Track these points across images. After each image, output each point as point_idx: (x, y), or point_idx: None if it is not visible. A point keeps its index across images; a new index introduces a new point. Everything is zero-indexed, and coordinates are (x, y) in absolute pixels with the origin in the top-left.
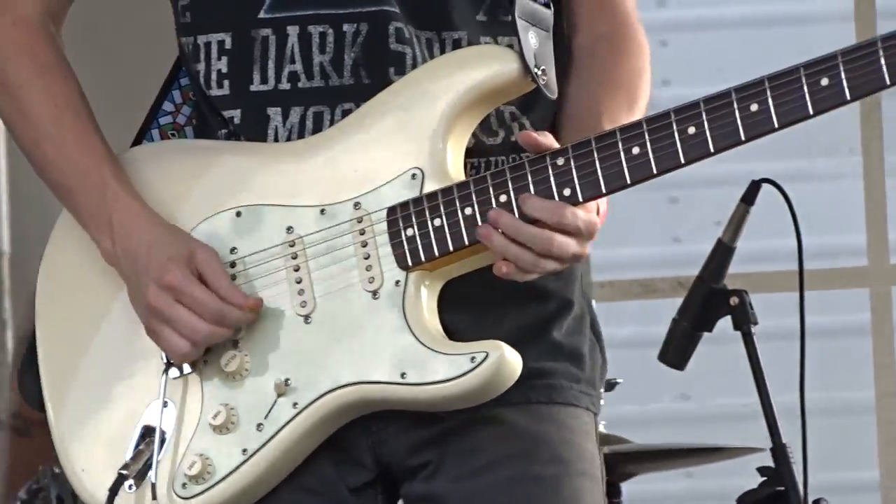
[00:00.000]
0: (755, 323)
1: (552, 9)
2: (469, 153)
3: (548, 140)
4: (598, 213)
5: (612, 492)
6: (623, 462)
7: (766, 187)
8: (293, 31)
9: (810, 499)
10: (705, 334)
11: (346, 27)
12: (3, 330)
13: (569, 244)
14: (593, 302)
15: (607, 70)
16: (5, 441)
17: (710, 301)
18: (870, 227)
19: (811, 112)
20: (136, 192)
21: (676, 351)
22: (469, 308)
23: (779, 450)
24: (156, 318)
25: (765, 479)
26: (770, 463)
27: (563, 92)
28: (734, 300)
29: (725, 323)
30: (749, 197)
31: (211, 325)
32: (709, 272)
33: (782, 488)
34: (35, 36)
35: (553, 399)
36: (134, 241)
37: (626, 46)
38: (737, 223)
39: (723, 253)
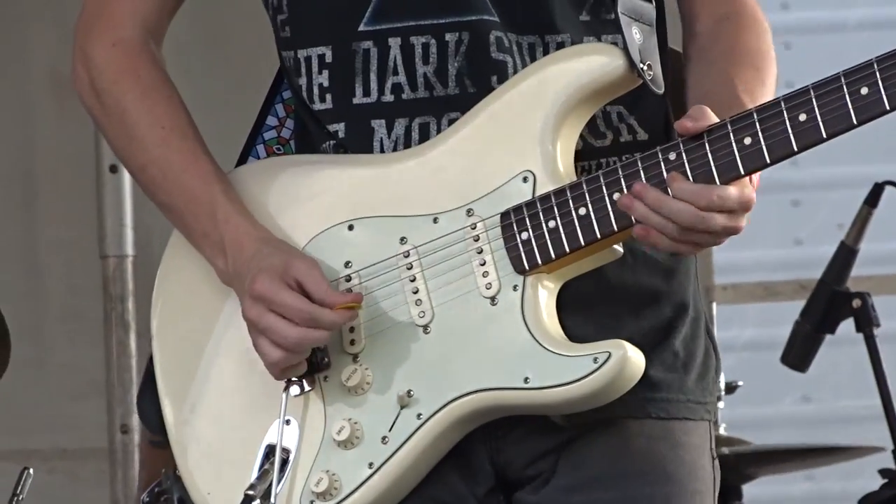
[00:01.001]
0: (878, 325)
1: (654, 3)
2: (578, 156)
3: (703, 121)
4: (748, 186)
5: (733, 494)
6: (743, 463)
7: (889, 189)
8: (395, 42)
9: None
10: (827, 336)
11: (448, 37)
12: (127, 332)
13: (716, 219)
14: (714, 305)
15: (733, 46)
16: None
17: (832, 303)
18: None
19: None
20: (246, 210)
21: (798, 353)
22: (585, 314)
23: None
24: (254, 330)
25: (886, 480)
26: (891, 465)
27: (690, 78)
28: (856, 302)
29: (848, 325)
30: (872, 199)
31: (302, 328)
32: (831, 274)
33: None
34: (136, 57)
35: (670, 414)
36: (244, 260)
37: (747, 23)
38: (860, 225)
39: (845, 255)
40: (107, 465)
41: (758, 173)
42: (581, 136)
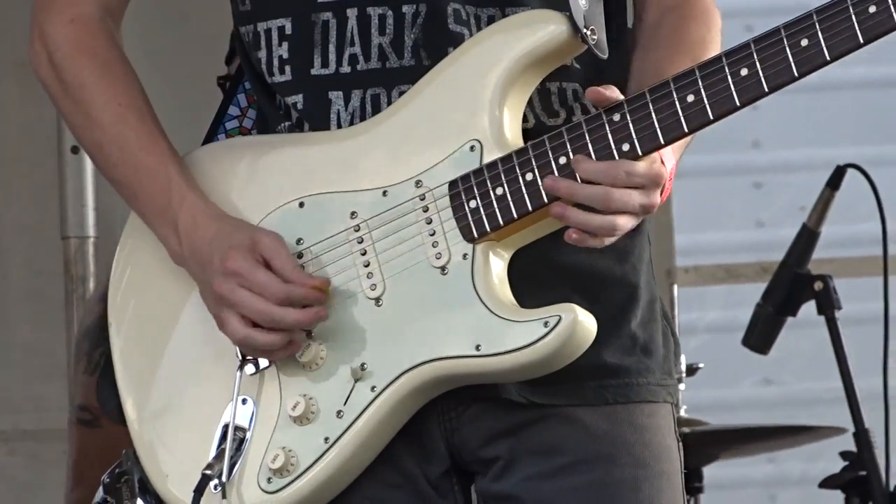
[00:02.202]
0: (839, 308)
1: None
2: (531, 134)
3: (614, 93)
4: (661, 162)
5: (693, 476)
6: (703, 444)
7: (851, 172)
8: (352, 13)
9: (892, 483)
10: (789, 319)
11: (405, 8)
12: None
13: (631, 195)
14: (675, 287)
15: (672, 37)
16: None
17: (794, 286)
18: None
19: (861, 41)
20: (200, 191)
21: (760, 335)
22: (539, 296)
23: (861, 435)
24: (222, 305)
25: (847, 463)
26: (852, 448)
27: (632, 66)
28: (818, 285)
29: (809, 308)
30: (834, 182)
31: (275, 306)
32: (793, 257)
33: (864, 473)
34: (94, 34)
35: (630, 398)
36: (199, 240)
37: (693, 14)
38: (822, 208)
39: (807, 238)
40: (68, 446)
41: (674, 159)
42: (535, 113)
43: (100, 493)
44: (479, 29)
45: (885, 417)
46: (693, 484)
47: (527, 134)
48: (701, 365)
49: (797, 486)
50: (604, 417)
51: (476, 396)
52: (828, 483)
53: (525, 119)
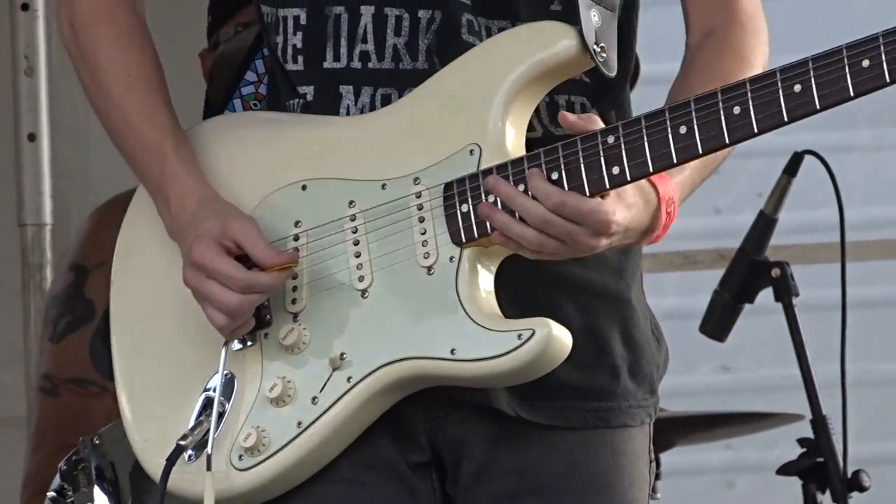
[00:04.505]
0: (796, 294)
1: None
2: (537, 143)
3: (588, 124)
4: (657, 203)
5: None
6: (661, 431)
7: (808, 159)
8: (367, 11)
9: (850, 470)
10: (746, 306)
11: (421, 13)
12: (45, 301)
13: (567, 228)
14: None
15: (708, 63)
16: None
17: (751, 272)
18: None
19: (852, 94)
20: (194, 167)
21: (717, 322)
22: (529, 309)
23: (819, 421)
24: (196, 296)
25: (804, 450)
26: (810, 434)
27: (671, 89)
28: (775, 272)
29: (767, 294)
30: (791, 168)
31: (240, 294)
32: (750, 244)
33: (822, 459)
34: (116, 1)
35: (609, 423)
36: (183, 219)
37: (734, 41)
38: (779, 195)
39: (765, 224)
40: (25, 433)
41: (675, 201)
42: (542, 124)
43: (57, 481)
44: None
45: (842, 404)
46: None
47: (535, 143)
48: None
49: (755, 473)
50: (581, 440)
51: (466, 401)
52: (785, 470)
53: (533, 128)
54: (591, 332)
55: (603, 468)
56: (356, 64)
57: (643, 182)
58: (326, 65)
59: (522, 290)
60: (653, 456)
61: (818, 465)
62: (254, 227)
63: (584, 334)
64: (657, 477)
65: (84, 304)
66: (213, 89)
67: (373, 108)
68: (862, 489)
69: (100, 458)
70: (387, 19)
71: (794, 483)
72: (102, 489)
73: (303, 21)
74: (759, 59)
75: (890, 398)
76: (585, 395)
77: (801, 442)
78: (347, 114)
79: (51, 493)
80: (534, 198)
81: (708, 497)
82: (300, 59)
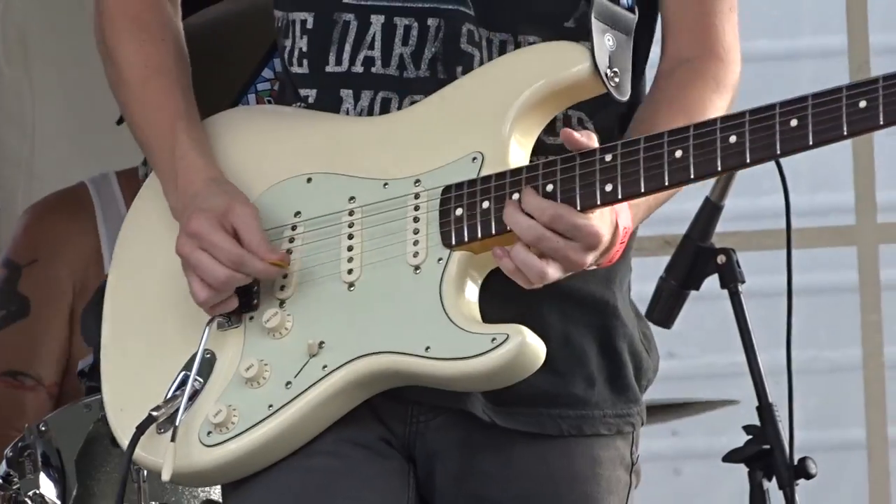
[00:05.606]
0: (742, 281)
1: (636, 14)
2: (532, 151)
3: (590, 142)
4: (615, 229)
5: None
6: None
7: None
8: (377, 20)
9: (796, 458)
10: (692, 292)
11: (430, 21)
12: None
13: (557, 243)
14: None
15: (676, 93)
16: None
17: (697, 259)
18: (857, 186)
19: (845, 133)
20: (205, 151)
21: (663, 309)
22: (512, 314)
23: (765, 408)
24: (184, 265)
25: (750, 437)
26: (756, 421)
27: (636, 113)
28: (721, 258)
29: (712, 281)
30: None
31: (228, 269)
32: (696, 230)
33: (768, 447)
34: (143, 1)
35: (582, 431)
36: (188, 195)
37: (710, 71)
38: (724, 181)
39: (710, 211)
40: None
41: (632, 224)
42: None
43: (2, 468)
44: (489, 52)
45: (788, 391)
46: None
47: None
48: None
49: (701, 460)
50: (558, 449)
51: (445, 406)
52: (731, 457)
53: None
54: (569, 340)
55: (581, 477)
56: (358, 68)
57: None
58: (329, 69)
59: (505, 295)
60: (635, 458)
61: (764, 452)
62: (255, 217)
63: (562, 342)
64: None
65: (18, 300)
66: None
67: (371, 111)
68: (808, 476)
69: (46, 444)
70: (395, 29)
71: (741, 470)
72: (48, 476)
73: (309, 25)
74: (733, 90)
75: (836, 385)
76: (559, 402)
77: (748, 429)
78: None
79: None
80: (528, 215)
81: (654, 484)
82: (305, 62)
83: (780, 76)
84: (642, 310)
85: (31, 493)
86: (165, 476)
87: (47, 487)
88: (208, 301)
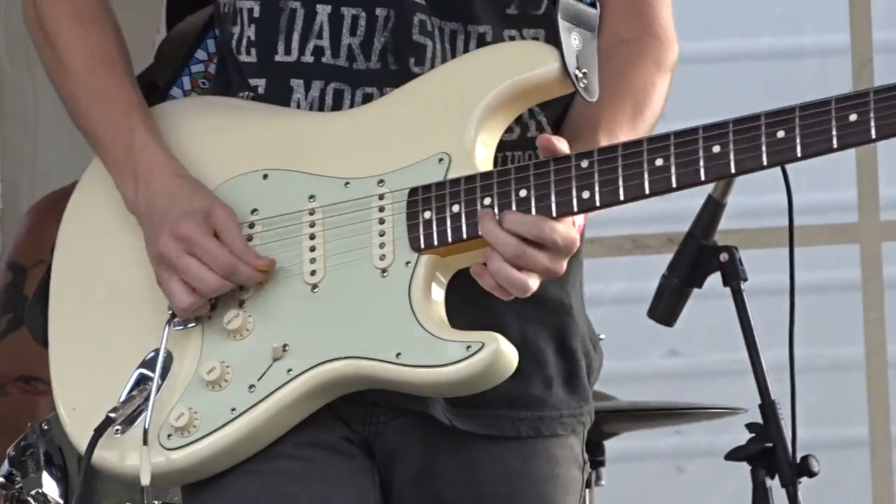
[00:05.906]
0: (745, 279)
1: (598, 8)
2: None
3: (565, 148)
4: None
5: (594, 451)
6: (607, 421)
7: None
8: (322, 9)
9: (798, 455)
10: (695, 290)
11: (378, 11)
12: None
13: (537, 256)
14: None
15: (618, 76)
16: None
17: (699, 257)
18: (860, 183)
19: (835, 146)
20: (163, 143)
21: (666, 307)
22: (471, 316)
23: (767, 406)
24: (164, 266)
25: (753, 435)
26: (759, 419)
27: (578, 98)
28: (724, 256)
29: (715, 279)
30: None
31: (219, 277)
32: (699, 228)
33: (770, 445)
34: None
35: (540, 433)
36: (156, 191)
37: (645, 55)
38: (727, 179)
39: (713, 209)
40: None
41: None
42: None
43: (5, 466)
44: (441, 42)
45: (791, 389)
46: (594, 458)
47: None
48: (602, 336)
49: (704, 458)
50: (520, 452)
51: (407, 407)
52: (734, 455)
53: None
54: (527, 342)
55: (539, 478)
56: (308, 58)
57: None
58: (278, 58)
59: (463, 296)
60: (586, 457)
61: (767, 450)
62: (236, 220)
63: (520, 343)
64: (601, 464)
65: (24, 302)
66: (161, 71)
67: (322, 102)
68: (811, 474)
69: (48, 443)
70: (343, 19)
71: (743, 468)
72: (51, 475)
73: (256, 14)
74: (671, 71)
75: (839, 383)
76: (518, 404)
77: (750, 427)
78: (298, 107)
79: None
80: (508, 231)
81: (657, 482)
82: (253, 51)
83: (783, 73)
84: (645, 308)
85: (33, 492)
86: (145, 480)
87: (50, 486)
88: (192, 307)
